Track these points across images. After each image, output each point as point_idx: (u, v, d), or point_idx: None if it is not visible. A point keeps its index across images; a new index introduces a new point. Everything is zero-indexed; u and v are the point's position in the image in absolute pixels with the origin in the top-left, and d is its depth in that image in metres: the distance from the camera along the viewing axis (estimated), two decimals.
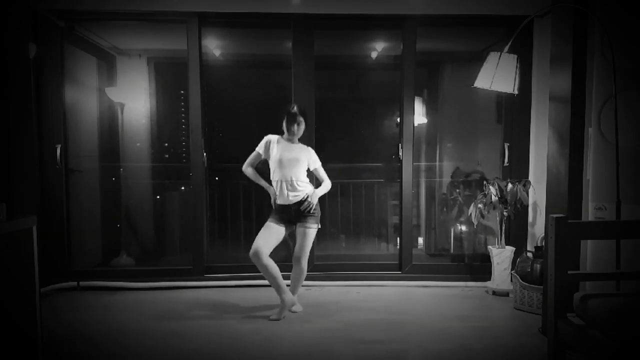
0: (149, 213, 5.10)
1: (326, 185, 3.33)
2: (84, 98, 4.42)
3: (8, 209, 2.08)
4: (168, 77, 5.08)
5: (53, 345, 2.68)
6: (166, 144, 5.26)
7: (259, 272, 3.89)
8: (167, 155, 5.24)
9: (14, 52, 3.51)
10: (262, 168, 3.32)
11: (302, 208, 3.17)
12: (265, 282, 3.80)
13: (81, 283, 3.79)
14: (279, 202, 3.22)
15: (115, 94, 4.61)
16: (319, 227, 3.28)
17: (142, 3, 3.67)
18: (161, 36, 4.51)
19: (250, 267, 3.94)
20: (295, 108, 3.24)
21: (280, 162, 3.20)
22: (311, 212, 3.19)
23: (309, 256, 3.91)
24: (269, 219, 3.25)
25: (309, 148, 3.35)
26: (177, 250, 5.05)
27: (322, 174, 3.36)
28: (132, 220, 4.92)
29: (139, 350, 2.68)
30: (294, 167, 3.20)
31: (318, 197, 3.24)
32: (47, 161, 3.74)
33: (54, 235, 3.76)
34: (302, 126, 3.27)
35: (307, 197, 3.20)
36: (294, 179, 3.18)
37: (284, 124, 3.24)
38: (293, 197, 3.18)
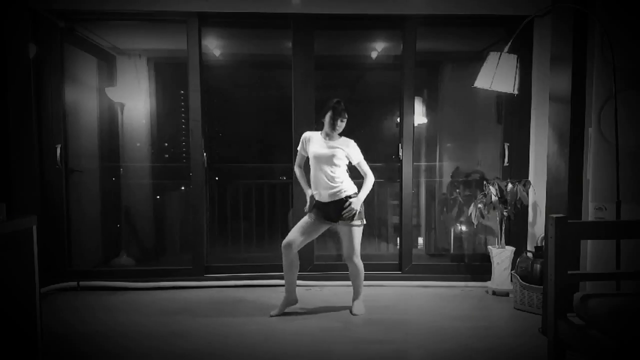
0: (149, 213, 5.10)
1: (368, 184, 3.20)
2: (84, 98, 4.42)
3: (8, 209, 2.08)
4: (168, 77, 5.08)
5: (53, 345, 2.68)
6: (166, 144, 5.26)
7: (259, 272, 3.92)
8: (167, 155, 5.24)
9: (14, 52, 3.52)
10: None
11: (343, 214, 3.11)
12: (265, 282, 3.82)
13: (81, 283, 3.79)
14: (317, 199, 3.17)
15: (115, 94, 4.61)
16: (364, 222, 3.21)
17: (142, 3, 3.67)
18: (161, 36, 4.51)
19: (250, 267, 3.96)
20: (342, 103, 3.14)
21: (316, 159, 3.14)
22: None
23: (309, 256, 3.94)
24: (309, 213, 3.19)
25: (350, 141, 3.21)
26: (177, 250, 5.04)
27: (365, 168, 3.21)
28: (132, 220, 4.92)
29: (139, 350, 2.67)
30: (330, 163, 3.12)
31: (361, 202, 3.15)
32: (47, 161, 3.74)
33: (54, 235, 3.76)
34: (345, 123, 3.17)
35: (349, 201, 3.11)
36: (330, 176, 3.12)
37: (328, 118, 3.12)
38: (331, 196, 3.13)
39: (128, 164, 4.89)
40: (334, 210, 3.14)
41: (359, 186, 3.21)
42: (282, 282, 3.77)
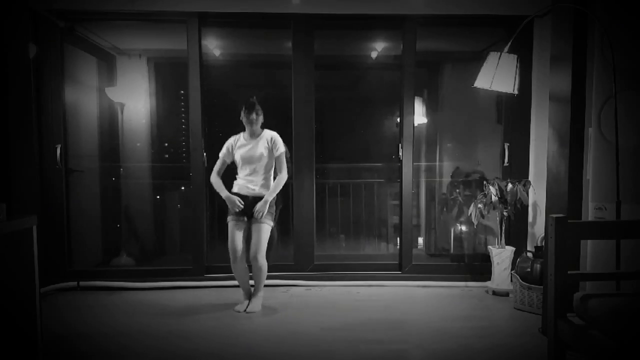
0: (149, 213, 5.10)
1: (278, 183, 3.26)
2: (84, 98, 4.42)
3: (8, 209, 2.08)
4: (168, 77, 5.08)
5: (53, 345, 2.68)
6: (166, 144, 5.26)
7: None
8: (167, 155, 5.24)
9: (14, 52, 3.52)
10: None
11: (254, 214, 3.19)
12: (265, 281, 3.81)
13: (81, 283, 3.79)
14: (239, 192, 3.25)
15: (115, 94, 4.61)
16: (273, 225, 3.28)
17: (142, 3, 3.67)
18: (161, 36, 4.51)
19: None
20: (254, 98, 3.27)
21: (243, 160, 3.25)
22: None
23: (309, 256, 3.94)
24: (229, 216, 3.26)
25: (273, 133, 3.31)
26: (177, 250, 5.05)
27: (282, 163, 3.28)
28: (132, 220, 4.92)
29: (139, 350, 2.67)
30: (258, 164, 3.24)
31: (268, 203, 3.19)
32: (47, 161, 3.74)
33: (54, 235, 3.76)
34: (261, 116, 3.27)
35: (257, 203, 3.19)
36: (258, 174, 3.24)
37: (243, 114, 3.24)
38: (251, 191, 3.23)
39: (128, 164, 4.89)
40: (250, 207, 3.21)
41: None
42: (282, 282, 3.82)
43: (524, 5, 3.55)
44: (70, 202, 3.89)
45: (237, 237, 3.21)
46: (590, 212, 2.90)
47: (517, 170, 3.91)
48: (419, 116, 4.91)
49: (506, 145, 3.98)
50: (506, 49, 2.86)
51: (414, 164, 3.96)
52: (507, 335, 2.89)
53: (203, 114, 3.86)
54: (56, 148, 3.74)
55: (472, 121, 5.01)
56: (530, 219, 3.86)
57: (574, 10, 2.68)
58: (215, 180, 3.33)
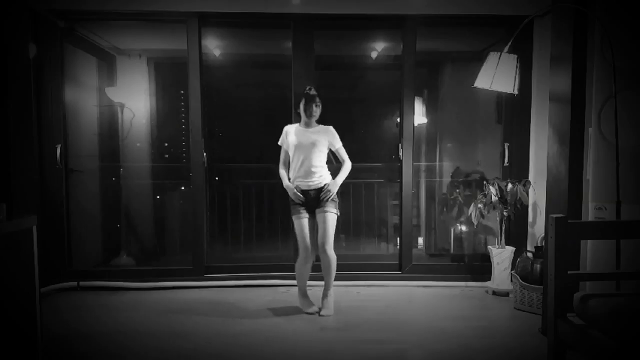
0: (149, 213, 5.09)
1: (346, 169, 3.30)
2: (84, 98, 4.42)
3: (8, 209, 2.08)
4: (168, 77, 5.08)
5: (53, 345, 2.68)
6: (166, 144, 5.26)
7: (259, 272, 3.91)
8: (167, 155, 5.23)
9: (14, 52, 3.51)
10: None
11: (320, 197, 3.18)
12: (265, 282, 3.83)
13: (81, 283, 3.79)
14: (300, 187, 3.22)
15: (115, 94, 4.61)
16: (338, 214, 3.26)
17: (142, 3, 3.67)
18: (161, 36, 4.51)
19: (250, 267, 3.97)
20: (313, 90, 3.25)
21: (297, 148, 3.22)
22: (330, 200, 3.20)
23: None
24: (294, 215, 3.22)
25: (329, 128, 3.31)
26: (177, 250, 5.04)
27: (344, 154, 3.32)
28: (132, 220, 4.92)
29: (138, 350, 2.68)
30: (311, 152, 3.19)
31: (338, 185, 3.22)
32: (47, 161, 3.74)
33: (54, 235, 3.77)
34: (320, 108, 3.26)
35: (326, 185, 3.20)
36: (310, 164, 3.19)
37: (302, 106, 3.23)
38: (311, 185, 3.20)
39: (128, 164, 4.89)
40: (314, 198, 3.21)
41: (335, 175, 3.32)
42: (283, 282, 3.81)
43: (524, 5, 3.54)
44: (70, 202, 3.89)
45: (307, 233, 3.19)
46: (590, 212, 2.90)
47: (517, 170, 3.91)
48: (419, 116, 4.91)
49: (506, 145, 3.98)
50: (506, 49, 2.86)
51: (414, 164, 3.96)
52: (507, 335, 2.89)
53: (203, 114, 3.87)
54: (56, 148, 3.74)
55: (472, 121, 5.01)
56: (530, 219, 3.86)
57: (574, 10, 2.68)
58: (280, 171, 3.34)
